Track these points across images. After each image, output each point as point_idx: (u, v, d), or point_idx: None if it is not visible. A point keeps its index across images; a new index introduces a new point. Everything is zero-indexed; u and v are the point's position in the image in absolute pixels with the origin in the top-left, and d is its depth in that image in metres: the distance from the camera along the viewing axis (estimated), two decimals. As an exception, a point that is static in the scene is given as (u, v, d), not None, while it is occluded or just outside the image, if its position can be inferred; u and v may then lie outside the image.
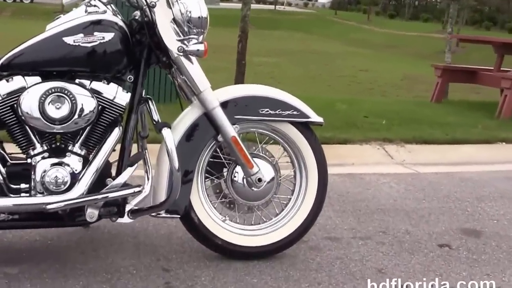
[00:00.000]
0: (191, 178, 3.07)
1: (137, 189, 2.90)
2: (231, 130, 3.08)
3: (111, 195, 2.88)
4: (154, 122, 3.00)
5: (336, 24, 46.72)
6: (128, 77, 2.98)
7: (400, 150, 5.93)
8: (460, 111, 8.09)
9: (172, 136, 2.92)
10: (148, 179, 2.98)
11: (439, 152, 6.01)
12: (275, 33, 33.82)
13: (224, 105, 3.10)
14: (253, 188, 3.17)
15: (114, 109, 2.92)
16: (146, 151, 3.07)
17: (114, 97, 2.91)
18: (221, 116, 3.06)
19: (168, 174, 3.01)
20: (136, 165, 2.94)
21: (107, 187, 2.90)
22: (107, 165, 2.96)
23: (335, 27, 43.79)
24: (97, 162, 2.90)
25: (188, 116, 3.11)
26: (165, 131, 2.91)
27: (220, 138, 3.11)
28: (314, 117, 3.25)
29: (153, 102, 3.08)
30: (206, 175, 3.22)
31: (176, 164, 2.88)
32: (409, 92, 13.76)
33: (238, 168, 3.19)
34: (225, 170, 3.24)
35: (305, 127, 3.26)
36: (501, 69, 8.69)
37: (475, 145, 6.27)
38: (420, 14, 59.07)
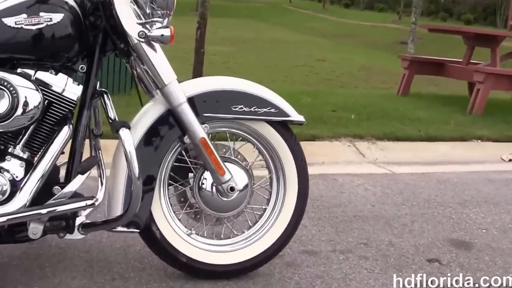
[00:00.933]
0: (152, 186, 2.63)
1: (89, 202, 2.44)
2: (200, 130, 2.64)
3: (59, 208, 2.42)
4: (110, 120, 2.55)
5: (292, 13, 46.50)
6: (80, 66, 2.52)
7: (372, 148, 5.57)
8: (429, 106, 7.73)
9: (131, 138, 2.46)
10: (102, 185, 2.54)
11: (412, 150, 5.67)
12: (229, 21, 33.32)
13: (192, 100, 2.65)
14: (223, 198, 2.74)
15: (63, 104, 2.46)
16: (100, 152, 2.63)
17: (63, 90, 2.45)
18: (188, 114, 2.62)
19: (126, 182, 2.56)
20: (88, 172, 2.48)
21: (54, 197, 2.44)
22: (54, 170, 2.49)
23: (290, 16, 43.51)
24: (43, 166, 2.43)
25: (150, 113, 2.65)
26: (123, 132, 2.46)
27: (186, 139, 2.66)
28: (295, 116, 2.83)
29: (109, 96, 2.63)
30: (169, 181, 2.77)
31: (137, 171, 2.43)
32: (367, 83, 13.58)
33: (207, 174, 2.75)
34: (191, 175, 2.81)
35: (284, 127, 2.84)
36: (471, 61, 8.35)
37: (449, 142, 5.95)
38: (375, 4, 59.13)
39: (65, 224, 2.50)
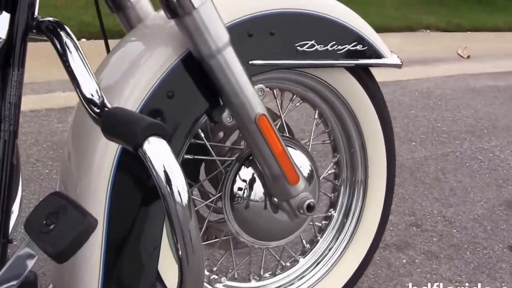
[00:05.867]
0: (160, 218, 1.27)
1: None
2: (256, 103, 1.28)
3: None
4: (95, 112, 1.03)
5: None
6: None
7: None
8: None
9: (175, 159, 0.98)
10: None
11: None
12: None
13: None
14: (283, 217, 1.42)
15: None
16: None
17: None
18: (234, 69, 1.24)
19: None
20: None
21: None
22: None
23: None
24: None
25: (151, 63, 1.22)
26: (155, 147, 0.96)
27: (227, 117, 1.28)
28: (389, 56, 1.54)
29: (73, 36, 1.14)
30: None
31: (195, 223, 0.95)
32: None
33: (245, 171, 1.42)
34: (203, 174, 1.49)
35: (368, 77, 1.56)
36: None
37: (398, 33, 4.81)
38: None
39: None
